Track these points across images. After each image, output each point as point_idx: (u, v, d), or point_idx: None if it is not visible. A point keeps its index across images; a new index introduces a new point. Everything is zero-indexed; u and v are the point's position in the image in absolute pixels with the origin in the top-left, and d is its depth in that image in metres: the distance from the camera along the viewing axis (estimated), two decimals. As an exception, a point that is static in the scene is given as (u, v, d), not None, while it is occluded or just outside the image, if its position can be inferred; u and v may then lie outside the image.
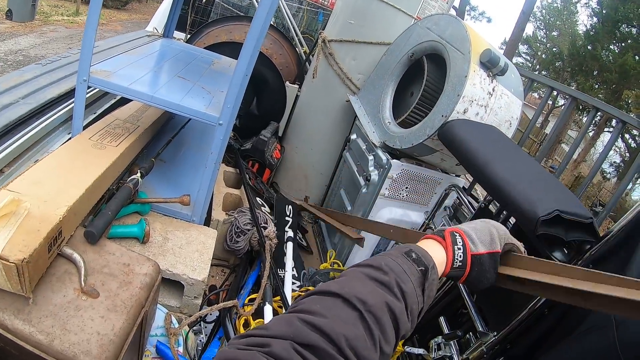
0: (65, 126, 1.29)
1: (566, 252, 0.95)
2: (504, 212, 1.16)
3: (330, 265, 1.69)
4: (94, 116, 1.41)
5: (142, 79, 1.25)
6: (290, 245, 1.63)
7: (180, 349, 0.97)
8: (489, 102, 1.40)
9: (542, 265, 0.60)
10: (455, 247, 0.59)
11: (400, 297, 0.51)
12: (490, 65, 1.36)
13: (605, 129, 10.88)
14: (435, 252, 0.59)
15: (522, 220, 0.97)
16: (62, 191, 0.84)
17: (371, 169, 1.60)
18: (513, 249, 0.65)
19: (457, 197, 1.40)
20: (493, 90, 1.41)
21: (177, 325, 0.98)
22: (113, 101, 1.59)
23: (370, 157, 1.63)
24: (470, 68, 1.33)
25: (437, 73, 1.63)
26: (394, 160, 1.52)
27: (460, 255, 0.59)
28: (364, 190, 1.63)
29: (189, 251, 1.12)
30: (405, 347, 1.25)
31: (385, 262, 0.53)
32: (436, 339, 1.14)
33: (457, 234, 0.61)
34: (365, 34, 1.98)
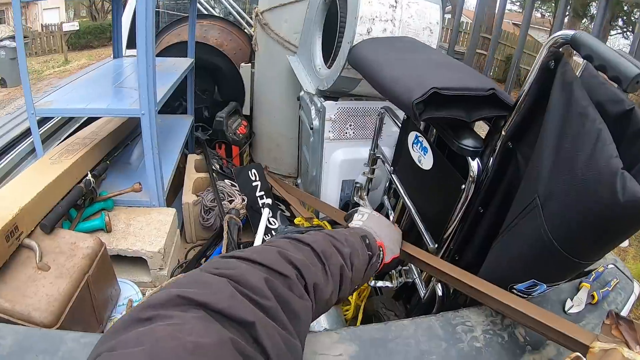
0: (33, 155, 1.52)
1: (477, 137, 0.84)
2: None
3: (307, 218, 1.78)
4: (59, 142, 1.64)
5: (79, 98, 1.43)
6: (266, 211, 1.75)
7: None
8: (395, 15, 1.41)
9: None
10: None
11: (350, 269, 0.59)
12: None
13: (612, 32, 9.37)
14: None
15: (406, 112, 0.96)
16: (17, 198, 1.04)
17: (313, 116, 1.66)
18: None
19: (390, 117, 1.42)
20: (396, 2, 1.41)
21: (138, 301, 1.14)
22: (77, 125, 1.81)
23: (312, 107, 1.70)
24: (361, -13, 1.34)
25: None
26: (327, 101, 1.57)
27: (377, 265, 0.73)
28: (311, 139, 1.71)
29: (147, 230, 1.29)
30: (370, 282, 1.20)
31: (346, 238, 0.63)
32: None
33: (380, 248, 0.73)
34: (290, -6, 2.02)
